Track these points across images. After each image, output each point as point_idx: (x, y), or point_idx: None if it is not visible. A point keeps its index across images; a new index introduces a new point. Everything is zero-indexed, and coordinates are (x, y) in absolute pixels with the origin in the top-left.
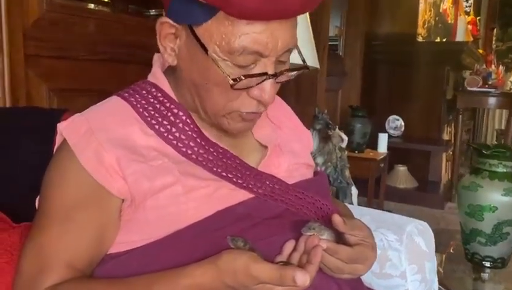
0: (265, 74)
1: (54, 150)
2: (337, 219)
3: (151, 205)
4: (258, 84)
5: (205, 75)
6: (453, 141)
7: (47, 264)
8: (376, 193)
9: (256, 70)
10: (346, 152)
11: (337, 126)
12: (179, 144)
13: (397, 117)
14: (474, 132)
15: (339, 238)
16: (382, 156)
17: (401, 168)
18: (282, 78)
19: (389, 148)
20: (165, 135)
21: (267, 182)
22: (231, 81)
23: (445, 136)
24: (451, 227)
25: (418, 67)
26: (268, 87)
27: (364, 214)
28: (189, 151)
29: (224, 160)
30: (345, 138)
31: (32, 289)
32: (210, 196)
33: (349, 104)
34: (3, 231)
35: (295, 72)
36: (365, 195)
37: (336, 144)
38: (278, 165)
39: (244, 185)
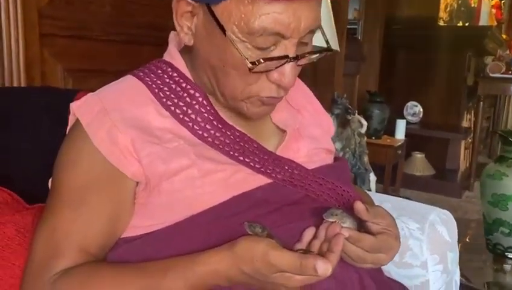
0: (286, 56)
1: (67, 131)
2: (359, 206)
3: (166, 189)
4: (278, 67)
5: (222, 57)
6: (472, 129)
7: (59, 249)
8: (392, 180)
9: (277, 52)
10: (365, 138)
11: (356, 111)
12: (194, 126)
13: (415, 103)
14: (494, 120)
15: (361, 226)
16: (400, 143)
17: (419, 156)
18: (304, 61)
19: (406, 134)
20: (181, 116)
21: (286, 167)
22: (249, 65)
23: (465, 124)
24: (468, 216)
25: (438, 53)
26: (289, 70)
27: (385, 201)
28: (206, 134)
29: (242, 143)
30: (365, 123)
31: (44, 273)
32: (226, 180)
33: (366, 89)
34: (17, 212)
35: (317, 55)
36: (381, 182)
37: (355, 129)
38: (297, 150)
39: (262, 169)
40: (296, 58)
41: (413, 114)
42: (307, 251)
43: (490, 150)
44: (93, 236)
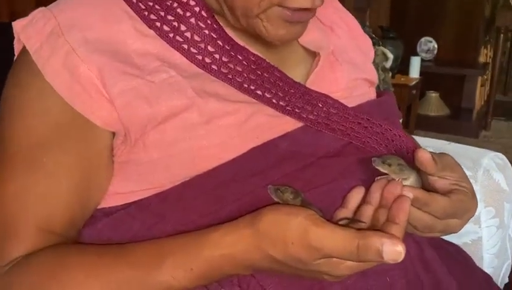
0: None
1: (13, 64)
2: (424, 155)
3: (155, 141)
4: None
5: None
6: (491, 64)
7: (12, 229)
8: (405, 122)
9: None
10: (390, 73)
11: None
12: (191, 48)
13: (430, 39)
14: (510, 54)
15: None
16: (415, 82)
17: (433, 95)
18: None
19: (420, 73)
20: (171, 35)
21: (320, 105)
22: None
23: (481, 59)
24: None
25: None
26: None
27: (424, 146)
28: (207, 59)
29: (259, 72)
30: (390, 56)
31: None
32: (240, 126)
33: (378, 24)
34: None
35: None
36: None
37: (379, 63)
38: (334, 81)
39: (289, 108)
40: None
41: (428, 50)
42: (354, 221)
43: (506, 87)
44: (56, 209)
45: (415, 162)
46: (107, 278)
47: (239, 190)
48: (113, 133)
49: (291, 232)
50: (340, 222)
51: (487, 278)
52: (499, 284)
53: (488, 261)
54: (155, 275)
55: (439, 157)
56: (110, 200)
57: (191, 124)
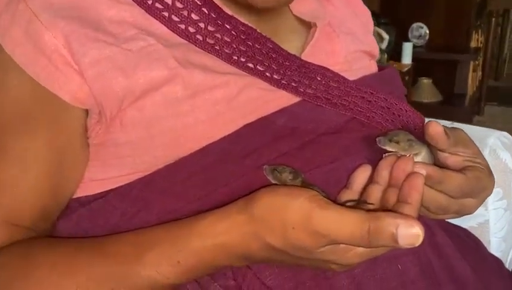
0: None
1: None
2: (437, 128)
3: (133, 119)
4: None
5: None
6: (483, 49)
7: None
8: None
9: None
10: (385, 55)
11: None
12: (172, 16)
13: (421, 24)
14: (502, 39)
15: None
16: (407, 68)
17: (426, 81)
18: None
19: (412, 59)
20: (149, 2)
21: (319, 78)
22: None
23: (473, 44)
24: None
25: None
26: None
27: None
28: (191, 29)
29: (250, 43)
30: (386, 37)
31: None
32: (231, 100)
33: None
34: None
35: None
36: None
37: None
38: (332, 53)
39: (284, 82)
40: None
41: (419, 36)
42: (361, 203)
43: (497, 72)
44: (24, 200)
45: (426, 137)
46: (84, 276)
47: (231, 172)
48: (87, 112)
49: (292, 216)
50: (346, 204)
51: (498, 262)
52: None
53: (495, 245)
54: (137, 270)
55: (451, 131)
56: (87, 188)
57: (174, 98)
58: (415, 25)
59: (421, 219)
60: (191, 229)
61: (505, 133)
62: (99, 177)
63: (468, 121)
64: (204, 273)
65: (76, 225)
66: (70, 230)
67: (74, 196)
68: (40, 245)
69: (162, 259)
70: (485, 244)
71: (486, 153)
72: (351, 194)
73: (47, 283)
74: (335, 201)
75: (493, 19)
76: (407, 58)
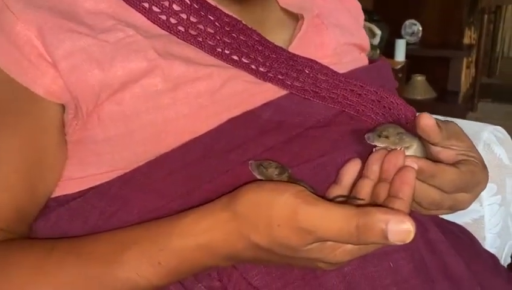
0: None
1: None
2: (429, 121)
3: (111, 113)
4: None
5: None
6: (476, 45)
7: None
8: None
9: None
10: (378, 51)
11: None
12: (153, 7)
13: (414, 21)
14: (494, 36)
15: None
16: (400, 65)
17: (419, 78)
18: None
19: (405, 56)
20: None
21: (307, 71)
22: None
23: (466, 41)
24: None
25: None
26: None
27: None
28: (173, 20)
29: (234, 34)
30: (378, 32)
31: None
32: (214, 93)
33: (362, 7)
34: None
35: None
36: None
37: None
38: (320, 45)
39: (271, 75)
40: None
41: (412, 33)
42: (350, 199)
43: (490, 69)
44: None
45: (417, 130)
46: (59, 278)
47: (214, 168)
48: (63, 106)
49: (277, 213)
50: (336, 200)
51: (493, 258)
52: None
53: (490, 242)
54: (116, 272)
55: (443, 124)
56: (65, 187)
57: (154, 91)
58: (408, 22)
59: (413, 214)
60: (172, 228)
61: (499, 128)
62: (78, 176)
63: (462, 117)
64: (188, 275)
65: (55, 225)
66: (48, 231)
67: (52, 195)
68: (13, 246)
69: (142, 259)
70: (480, 241)
71: (480, 148)
72: (340, 189)
73: (18, 285)
74: (323, 197)
75: (485, 16)
76: (400, 56)
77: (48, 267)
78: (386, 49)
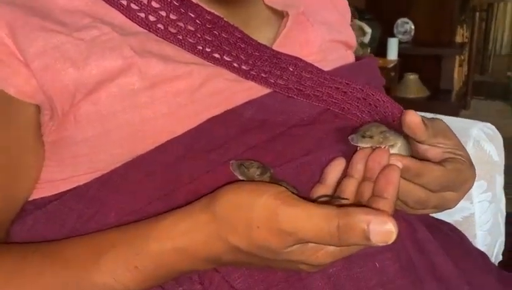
0: None
1: None
2: (414, 118)
3: (87, 114)
4: None
5: None
6: (468, 43)
7: None
8: None
9: None
10: (368, 49)
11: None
12: (131, 4)
13: (406, 20)
14: (486, 34)
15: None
16: (393, 64)
17: (412, 77)
18: None
19: (398, 55)
20: None
21: (291, 69)
22: None
23: (458, 39)
24: None
25: None
26: None
27: None
28: (152, 17)
29: (216, 32)
30: (368, 30)
31: None
32: (194, 91)
33: (353, 5)
34: None
35: None
36: None
37: (357, 38)
38: (305, 43)
39: (254, 73)
40: None
41: (405, 32)
42: (334, 198)
43: (482, 67)
44: None
45: (403, 127)
46: (36, 282)
47: (194, 169)
48: (38, 107)
49: (256, 215)
50: (320, 200)
51: (483, 256)
52: None
53: (481, 239)
54: (93, 276)
55: (430, 122)
56: (42, 190)
57: (130, 90)
58: (400, 20)
59: (401, 214)
60: (150, 231)
61: (489, 124)
62: (55, 178)
63: (455, 115)
64: (167, 279)
65: (32, 228)
66: (25, 235)
67: (30, 198)
68: None
69: (118, 263)
70: (471, 238)
71: (470, 145)
72: (324, 189)
73: None
74: (307, 197)
75: (477, 14)
76: (392, 54)
77: (25, 271)
78: (379, 47)
